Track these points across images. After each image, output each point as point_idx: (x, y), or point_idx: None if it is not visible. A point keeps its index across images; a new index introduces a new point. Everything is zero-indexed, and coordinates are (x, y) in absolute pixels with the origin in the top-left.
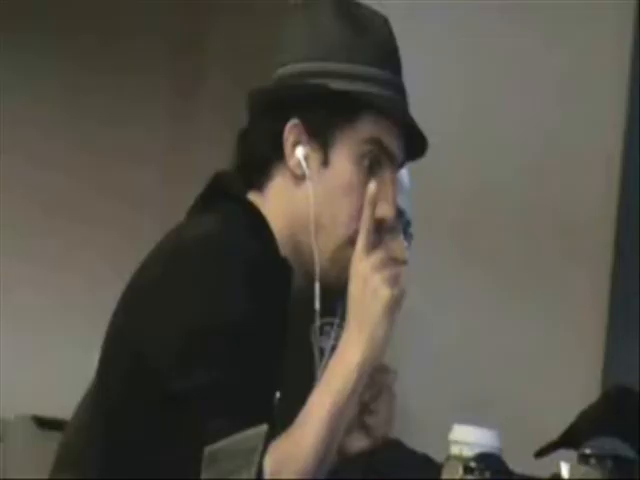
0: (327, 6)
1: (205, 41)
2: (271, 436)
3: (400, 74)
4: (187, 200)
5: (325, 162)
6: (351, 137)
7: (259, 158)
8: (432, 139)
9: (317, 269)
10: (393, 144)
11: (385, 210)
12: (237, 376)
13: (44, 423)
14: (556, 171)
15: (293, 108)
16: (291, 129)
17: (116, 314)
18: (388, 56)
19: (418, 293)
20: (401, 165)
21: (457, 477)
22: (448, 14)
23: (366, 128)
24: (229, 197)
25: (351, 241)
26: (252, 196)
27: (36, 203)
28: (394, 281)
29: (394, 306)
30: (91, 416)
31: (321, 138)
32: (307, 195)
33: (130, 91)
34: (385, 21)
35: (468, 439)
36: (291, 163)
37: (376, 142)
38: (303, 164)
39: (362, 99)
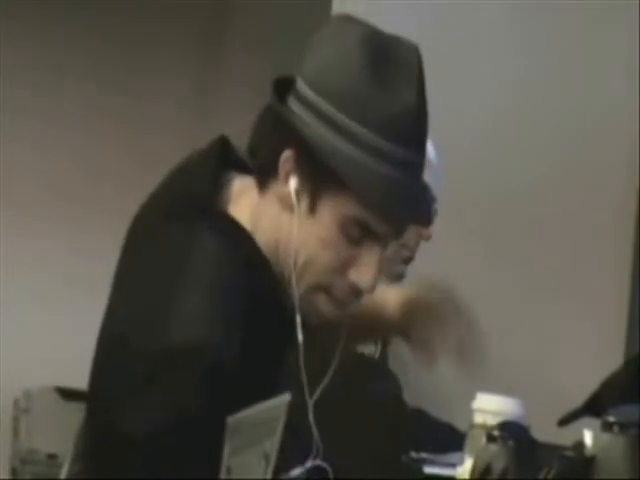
0: (357, 40)
1: (231, 11)
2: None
3: (419, 146)
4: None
5: (311, 209)
6: (338, 204)
7: (262, 164)
8: (462, 125)
9: (297, 302)
10: (382, 228)
11: (363, 277)
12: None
13: (68, 394)
14: (578, 145)
15: (295, 138)
16: (286, 159)
17: (115, 307)
18: (407, 128)
19: (439, 262)
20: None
21: (481, 445)
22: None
23: (352, 207)
24: (209, 213)
25: (318, 288)
26: (249, 195)
27: (73, 166)
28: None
29: None
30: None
31: (311, 186)
32: (292, 228)
33: (156, 61)
34: (417, 77)
35: (491, 408)
36: (283, 190)
37: (362, 224)
38: (293, 199)
39: (355, 185)
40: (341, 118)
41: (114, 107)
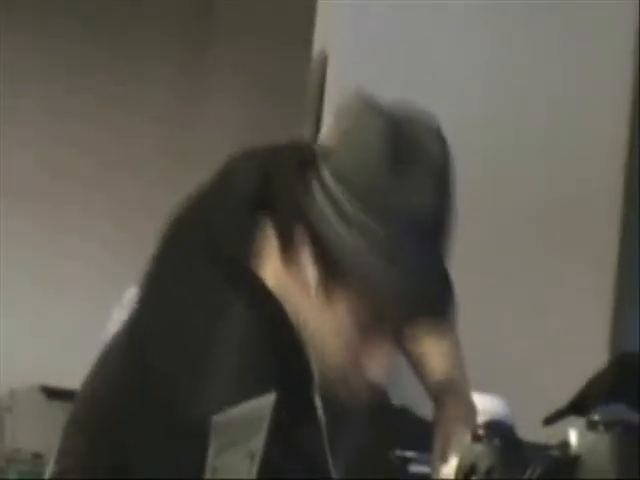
0: (378, 131)
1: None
2: None
3: (437, 245)
4: (198, 149)
5: (326, 295)
6: (351, 294)
7: (282, 238)
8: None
9: (316, 380)
10: (395, 320)
11: (376, 371)
12: None
13: (52, 393)
14: (564, 154)
15: (312, 226)
16: (302, 242)
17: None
18: (424, 226)
19: None
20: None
21: (465, 444)
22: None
23: (364, 299)
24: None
25: (333, 376)
26: (274, 259)
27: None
28: None
29: None
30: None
31: (326, 273)
32: (308, 312)
33: (144, 50)
34: (438, 173)
35: (477, 407)
36: (299, 270)
37: (374, 315)
38: (308, 283)
39: (364, 286)
40: (357, 213)
41: (103, 90)
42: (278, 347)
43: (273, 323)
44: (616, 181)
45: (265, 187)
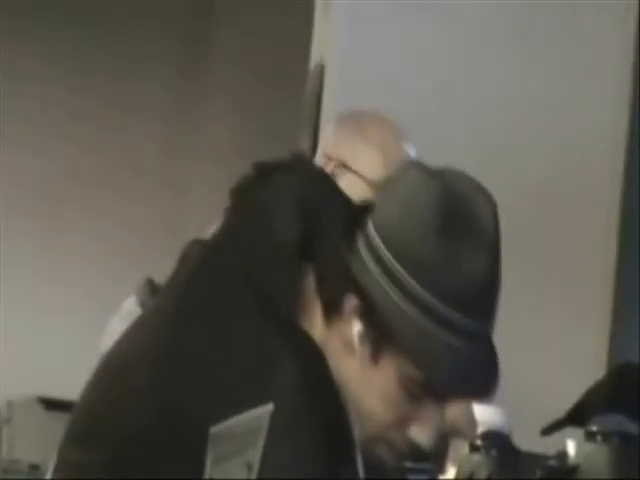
0: (430, 199)
1: (218, 3)
2: None
3: (485, 318)
4: (198, 149)
5: (374, 359)
6: (399, 361)
7: (327, 299)
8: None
9: (358, 442)
10: (442, 391)
11: (423, 436)
12: None
13: (50, 404)
14: (562, 153)
15: (361, 289)
16: (350, 304)
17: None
18: (473, 299)
19: None
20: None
21: (463, 454)
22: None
23: (413, 368)
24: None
25: (378, 440)
26: (318, 316)
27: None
28: None
29: None
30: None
31: (374, 337)
32: (353, 375)
33: (144, 51)
34: (490, 245)
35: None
36: (346, 332)
37: (422, 384)
38: (355, 346)
39: (414, 356)
40: (407, 279)
41: (103, 90)
42: (323, 402)
43: (318, 378)
44: (615, 185)
45: (308, 234)
